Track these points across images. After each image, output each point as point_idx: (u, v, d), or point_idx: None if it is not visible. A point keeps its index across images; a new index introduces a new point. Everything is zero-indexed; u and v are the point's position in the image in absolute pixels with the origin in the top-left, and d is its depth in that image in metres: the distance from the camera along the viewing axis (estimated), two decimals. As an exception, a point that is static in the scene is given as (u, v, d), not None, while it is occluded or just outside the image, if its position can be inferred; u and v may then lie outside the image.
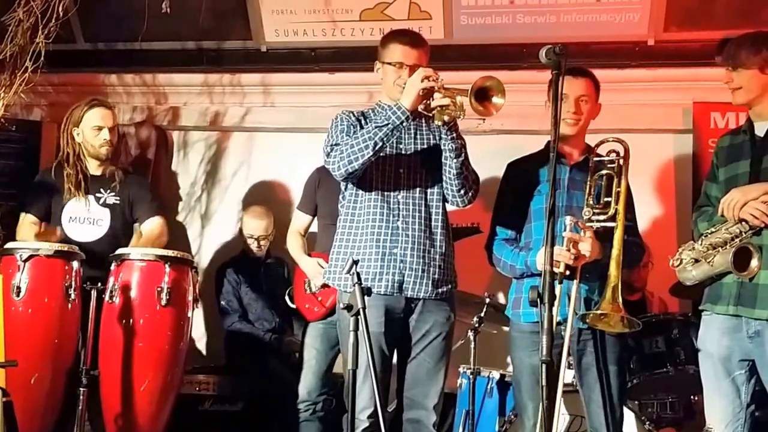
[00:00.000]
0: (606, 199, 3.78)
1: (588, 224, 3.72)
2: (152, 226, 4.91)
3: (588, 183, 3.82)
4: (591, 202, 3.77)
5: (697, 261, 3.68)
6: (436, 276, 3.83)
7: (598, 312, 3.64)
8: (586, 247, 3.67)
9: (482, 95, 3.54)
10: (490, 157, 5.52)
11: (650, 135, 5.64)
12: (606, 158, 3.87)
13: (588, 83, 3.92)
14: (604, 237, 3.74)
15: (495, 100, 3.55)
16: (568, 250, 3.65)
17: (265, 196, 6.20)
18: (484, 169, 5.23)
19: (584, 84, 3.90)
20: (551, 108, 3.18)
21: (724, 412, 3.62)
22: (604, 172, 3.83)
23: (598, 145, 3.94)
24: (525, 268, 3.86)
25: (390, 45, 3.92)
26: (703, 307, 3.74)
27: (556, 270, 3.43)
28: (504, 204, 4.07)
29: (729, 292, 3.60)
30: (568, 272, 3.67)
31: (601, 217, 3.74)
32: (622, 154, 3.86)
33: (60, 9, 4.99)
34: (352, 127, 3.85)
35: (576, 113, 3.86)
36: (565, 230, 3.67)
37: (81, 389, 4.17)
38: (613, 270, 3.66)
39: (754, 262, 3.48)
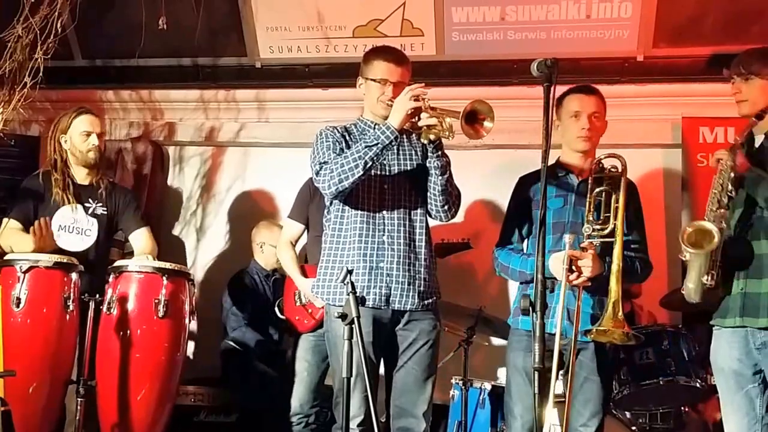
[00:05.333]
0: (605, 215, 3.82)
1: (588, 240, 3.76)
2: (143, 238, 4.91)
3: (587, 200, 3.85)
4: (591, 218, 3.81)
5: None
6: (422, 288, 3.87)
7: (601, 328, 3.67)
8: (587, 263, 3.71)
9: (472, 118, 3.60)
10: (482, 171, 5.61)
11: (640, 150, 5.69)
12: (604, 175, 3.92)
13: (598, 100, 4.00)
14: (604, 252, 3.78)
15: (485, 123, 3.61)
16: (570, 270, 3.67)
17: (259, 211, 6.25)
18: (476, 183, 5.31)
19: (595, 101, 3.98)
20: (543, 121, 3.18)
21: (739, 425, 3.63)
22: (602, 188, 3.87)
23: (595, 164, 3.96)
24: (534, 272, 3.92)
25: (374, 61, 3.95)
26: (713, 323, 3.76)
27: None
28: (511, 217, 4.13)
29: (735, 305, 3.63)
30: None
31: (603, 232, 3.78)
32: (620, 169, 3.91)
33: (58, 26, 5.01)
34: (337, 143, 3.89)
35: (590, 130, 3.93)
36: (565, 248, 3.68)
37: (78, 399, 4.20)
38: (614, 285, 3.69)
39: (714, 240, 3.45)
